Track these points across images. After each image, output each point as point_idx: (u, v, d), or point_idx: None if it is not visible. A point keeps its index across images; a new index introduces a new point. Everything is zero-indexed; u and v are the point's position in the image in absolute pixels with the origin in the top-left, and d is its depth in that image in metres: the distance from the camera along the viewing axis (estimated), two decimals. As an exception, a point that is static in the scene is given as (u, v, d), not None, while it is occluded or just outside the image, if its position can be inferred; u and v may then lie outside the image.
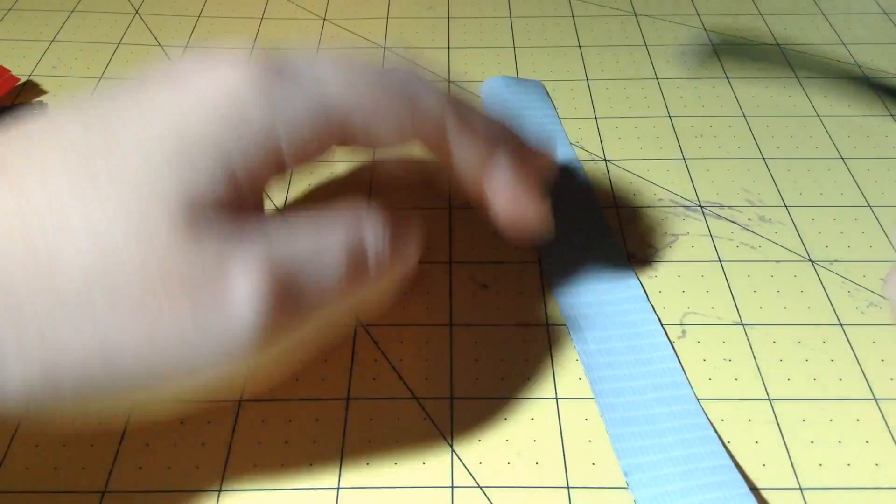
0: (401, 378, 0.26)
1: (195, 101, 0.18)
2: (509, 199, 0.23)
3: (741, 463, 0.23)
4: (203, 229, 0.17)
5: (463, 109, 0.22)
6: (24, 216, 0.16)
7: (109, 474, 0.23)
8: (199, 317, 0.17)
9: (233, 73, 0.19)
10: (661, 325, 0.27)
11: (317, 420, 0.24)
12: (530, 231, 0.24)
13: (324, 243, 0.19)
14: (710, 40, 0.41)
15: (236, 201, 0.18)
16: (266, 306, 0.17)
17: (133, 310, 0.16)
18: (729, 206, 0.31)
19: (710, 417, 0.24)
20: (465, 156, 0.22)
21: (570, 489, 0.23)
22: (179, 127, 0.18)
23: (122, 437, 0.24)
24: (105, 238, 0.16)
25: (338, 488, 0.23)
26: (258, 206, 0.20)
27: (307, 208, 0.21)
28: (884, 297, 0.28)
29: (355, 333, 0.27)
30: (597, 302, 0.27)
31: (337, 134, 0.20)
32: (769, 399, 0.25)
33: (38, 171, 0.17)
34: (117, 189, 0.17)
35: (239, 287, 0.17)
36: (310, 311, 0.19)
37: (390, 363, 0.26)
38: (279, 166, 0.19)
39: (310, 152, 0.20)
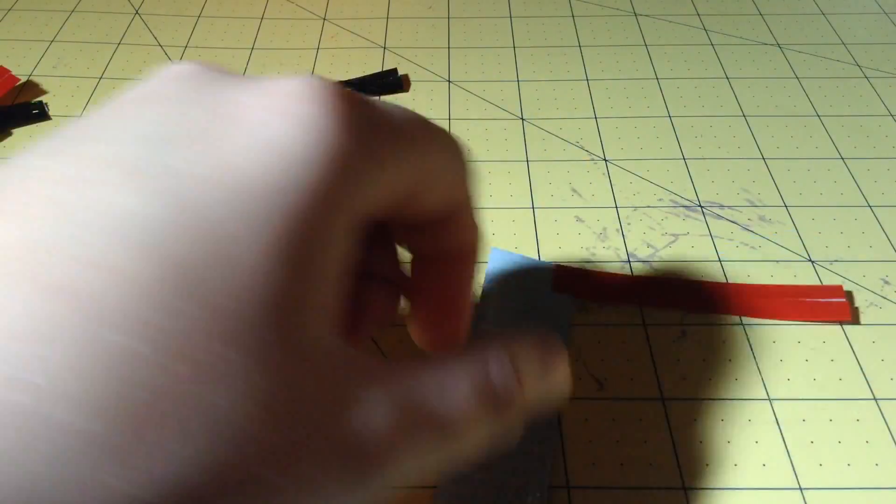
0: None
1: (276, 149, 0.13)
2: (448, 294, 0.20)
3: (741, 463, 0.23)
4: (320, 353, 0.14)
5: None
6: None
7: (109, 474, 0.23)
8: (318, 446, 0.13)
9: (305, 97, 0.14)
10: None
11: (317, 420, 0.24)
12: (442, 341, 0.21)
13: (452, 384, 0.16)
14: (711, 40, 0.41)
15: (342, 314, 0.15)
16: (401, 455, 0.14)
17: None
18: (729, 206, 0.31)
19: (710, 417, 0.24)
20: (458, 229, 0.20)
21: (571, 489, 0.23)
22: (284, 197, 0.13)
23: (122, 437, 0.24)
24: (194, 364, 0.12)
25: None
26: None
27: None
28: (884, 298, 0.28)
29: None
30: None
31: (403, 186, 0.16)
32: (769, 399, 0.25)
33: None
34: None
35: (367, 429, 0.14)
36: (448, 455, 0.16)
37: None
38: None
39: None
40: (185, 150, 0.13)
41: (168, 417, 0.11)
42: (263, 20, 0.43)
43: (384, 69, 0.39)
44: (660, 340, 0.27)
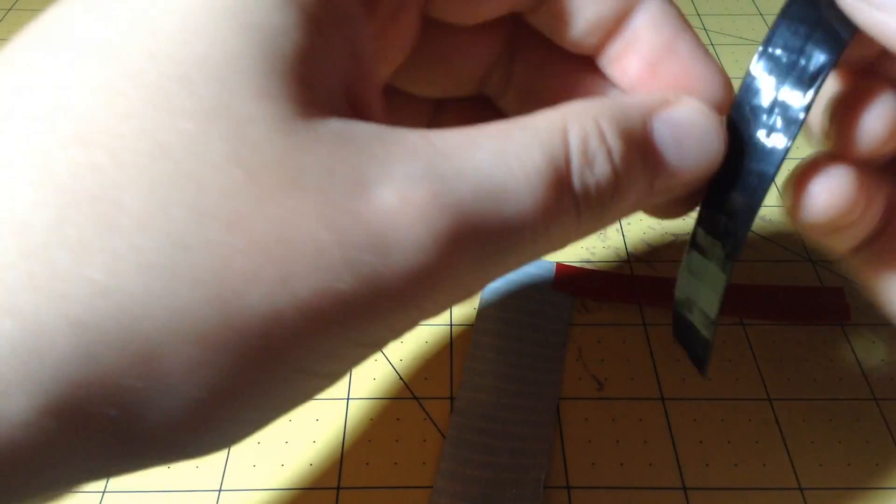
0: (401, 378, 0.26)
1: None
2: (666, 47, 0.16)
3: (741, 463, 0.23)
4: (325, 127, 0.12)
5: None
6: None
7: (109, 474, 0.23)
8: (336, 229, 0.11)
9: None
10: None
11: (317, 420, 0.24)
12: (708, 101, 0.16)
13: (519, 156, 0.13)
14: (711, 40, 0.41)
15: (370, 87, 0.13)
16: (437, 236, 0.12)
17: (236, 219, 0.11)
18: (729, 206, 0.31)
19: (709, 417, 0.24)
20: None
21: (571, 489, 0.23)
22: None
23: (122, 437, 0.24)
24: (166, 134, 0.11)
25: (338, 488, 0.23)
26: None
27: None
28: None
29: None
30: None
31: None
32: (769, 399, 0.25)
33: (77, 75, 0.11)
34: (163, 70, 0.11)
35: (394, 203, 0.12)
36: (503, 248, 0.13)
37: (390, 363, 0.26)
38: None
39: None
40: None
41: (82, 213, 0.10)
42: (263, 20, 0.43)
43: (384, 69, 0.39)
44: (660, 340, 0.27)
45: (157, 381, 0.11)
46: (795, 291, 0.28)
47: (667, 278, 0.28)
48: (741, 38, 0.41)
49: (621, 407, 0.25)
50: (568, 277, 0.28)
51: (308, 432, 0.24)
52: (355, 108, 0.13)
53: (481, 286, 0.14)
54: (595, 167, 0.14)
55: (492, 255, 0.13)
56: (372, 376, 0.26)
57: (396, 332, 0.13)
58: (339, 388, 0.25)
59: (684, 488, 0.23)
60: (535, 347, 0.26)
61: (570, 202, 0.14)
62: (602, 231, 0.30)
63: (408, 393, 0.25)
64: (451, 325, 0.27)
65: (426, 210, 0.12)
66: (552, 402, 0.24)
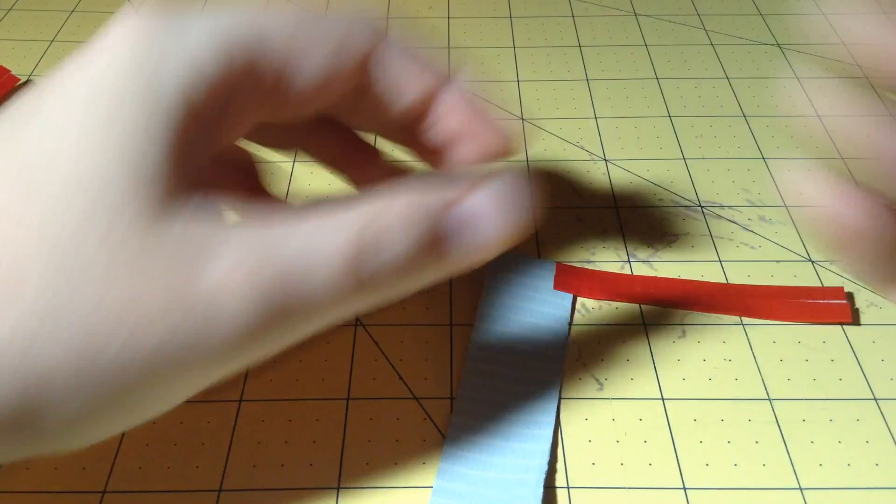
0: (401, 378, 0.26)
1: (91, 73, 0.17)
2: (467, 115, 0.21)
3: (741, 463, 0.23)
4: (179, 210, 0.16)
5: (406, 41, 0.21)
6: None
7: (109, 474, 0.23)
8: (168, 303, 0.16)
9: (118, 31, 0.18)
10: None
11: (317, 420, 0.24)
12: (495, 151, 0.22)
13: (324, 243, 0.17)
14: (711, 40, 0.41)
15: (213, 176, 0.17)
16: (250, 306, 0.16)
17: (96, 293, 0.15)
18: (729, 206, 0.31)
19: (709, 417, 0.24)
20: (404, 73, 0.20)
21: (571, 489, 0.23)
22: (95, 104, 0.16)
23: (122, 438, 0.24)
24: (60, 221, 0.15)
25: (338, 488, 0.23)
26: (255, 185, 0.18)
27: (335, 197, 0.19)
28: (884, 298, 0.28)
29: (355, 333, 0.27)
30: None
31: (247, 59, 0.18)
32: (769, 399, 0.25)
33: None
34: (58, 174, 0.16)
35: (218, 281, 0.16)
36: (305, 316, 0.17)
37: (390, 363, 0.26)
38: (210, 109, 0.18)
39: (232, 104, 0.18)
40: (30, 94, 0.17)
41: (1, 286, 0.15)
42: (263, 20, 0.43)
43: (384, 69, 0.39)
44: (660, 340, 0.27)
45: (46, 400, 0.15)
46: (795, 291, 0.28)
47: (667, 278, 0.28)
48: (741, 38, 0.41)
49: (621, 407, 0.25)
50: (568, 277, 0.28)
51: (308, 432, 0.24)
52: (207, 189, 0.17)
53: (292, 341, 0.18)
54: (382, 256, 0.17)
55: (296, 320, 0.17)
56: (372, 376, 0.26)
57: (224, 375, 0.17)
58: (339, 389, 0.25)
59: (684, 488, 0.23)
60: (535, 347, 0.26)
61: (358, 284, 0.17)
62: (602, 230, 0.30)
63: (408, 393, 0.25)
64: (451, 325, 0.27)
65: (244, 287, 0.16)
66: (552, 402, 0.24)
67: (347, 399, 0.25)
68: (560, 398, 0.25)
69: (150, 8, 0.18)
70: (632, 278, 0.29)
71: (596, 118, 0.36)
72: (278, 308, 0.16)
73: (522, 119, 0.36)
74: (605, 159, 0.34)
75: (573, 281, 0.28)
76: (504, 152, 0.21)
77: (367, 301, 0.18)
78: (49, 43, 0.41)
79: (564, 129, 0.36)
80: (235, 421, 0.24)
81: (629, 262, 0.29)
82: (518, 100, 0.37)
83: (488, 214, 0.19)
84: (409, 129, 0.22)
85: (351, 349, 0.26)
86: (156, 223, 0.16)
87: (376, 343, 0.27)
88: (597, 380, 0.26)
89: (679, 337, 0.27)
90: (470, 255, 0.19)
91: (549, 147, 0.35)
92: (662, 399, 0.25)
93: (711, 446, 0.24)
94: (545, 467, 0.22)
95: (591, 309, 0.28)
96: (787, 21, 0.43)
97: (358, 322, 0.27)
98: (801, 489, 0.23)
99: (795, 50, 0.41)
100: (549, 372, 0.25)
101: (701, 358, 0.26)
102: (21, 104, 0.17)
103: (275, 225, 0.17)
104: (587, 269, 0.29)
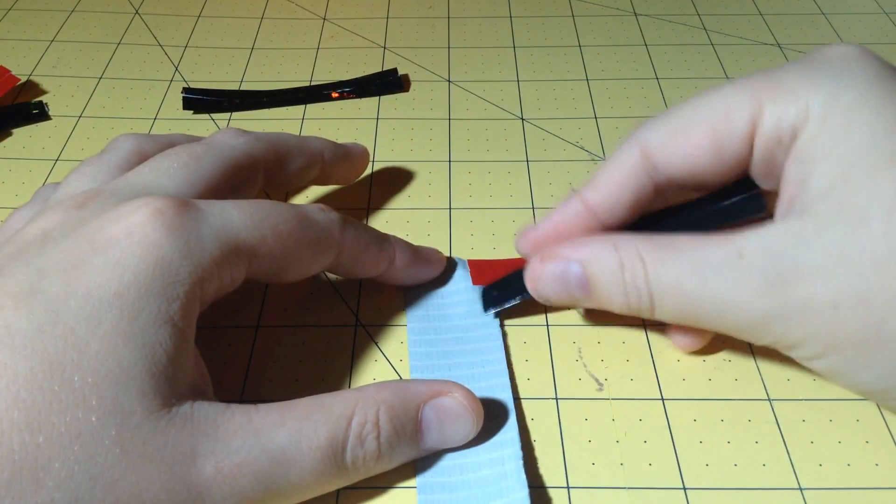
0: (401, 378, 0.26)
1: (121, 265, 0.19)
2: (410, 263, 0.27)
3: (741, 463, 0.23)
4: (181, 404, 0.19)
5: (358, 226, 0.25)
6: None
7: None
8: (172, 493, 0.18)
9: (145, 221, 0.20)
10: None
11: (317, 420, 0.24)
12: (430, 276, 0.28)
13: (309, 437, 0.20)
14: (711, 40, 0.41)
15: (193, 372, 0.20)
16: (240, 494, 0.19)
17: (113, 478, 0.18)
18: (729, 206, 0.31)
19: (709, 417, 0.24)
20: (363, 244, 0.25)
21: (571, 489, 0.23)
22: (122, 300, 0.19)
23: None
24: (82, 427, 0.17)
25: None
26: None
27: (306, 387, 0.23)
28: None
29: (355, 333, 0.27)
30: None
31: (245, 263, 0.22)
32: (769, 399, 0.25)
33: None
34: (86, 383, 0.18)
35: (213, 472, 0.19)
36: (288, 497, 0.20)
37: (390, 363, 0.26)
38: (206, 304, 0.21)
39: (226, 286, 0.22)
40: (62, 277, 0.19)
41: (22, 473, 0.17)
42: (263, 20, 0.43)
43: (384, 69, 0.39)
44: (660, 340, 0.27)
45: None
46: None
47: None
48: (741, 38, 0.41)
49: (621, 407, 0.25)
50: (483, 271, 0.28)
51: (308, 432, 0.24)
52: (202, 382, 0.21)
53: None
54: (365, 445, 0.21)
55: (280, 500, 0.20)
56: (372, 376, 0.26)
57: None
58: (339, 389, 0.25)
59: (684, 488, 0.23)
60: (473, 344, 0.26)
61: (339, 469, 0.20)
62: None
63: (408, 393, 0.25)
64: (451, 325, 0.27)
65: (233, 478, 0.19)
66: (506, 391, 0.25)
67: (347, 399, 0.25)
68: (558, 398, 0.25)
69: (170, 202, 0.20)
70: None
71: (596, 118, 0.36)
72: (264, 493, 0.19)
73: (522, 119, 0.36)
74: (605, 159, 0.34)
75: (489, 273, 0.28)
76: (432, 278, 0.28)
77: (347, 482, 0.21)
78: (49, 43, 0.41)
79: (564, 129, 0.36)
80: (235, 421, 0.24)
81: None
82: (518, 100, 0.37)
83: (459, 413, 0.22)
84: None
85: (351, 349, 0.26)
86: (163, 417, 0.18)
87: (376, 343, 0.27)
88: (597, 380, 0.26)
89: (679, 337, 0.27)
90: (444, 443, 0.22)
91: (548, 147, 0.35)
92: (662, 399, 0.25)
93: (711, 446, 0.24)
94: (520, 453, 0.23)
95: (591, 309, 0.28)
96: (787, 21, 0.43)
97: (358, 322, 0.27)
98: (801, 489, 0.23)
99: (796, 50, 0.41)
100: (493, 363, 0.25)
101: (701, 358, 0.26)
102: (52, 278, 0.19)
103: (263, 416, 0.20)
104: (499, 260, 0.29)
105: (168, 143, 0.26)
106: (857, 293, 0.19)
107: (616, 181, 0.23)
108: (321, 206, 0.24)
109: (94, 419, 0.17)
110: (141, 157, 0.25)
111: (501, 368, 0.25)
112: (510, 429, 0.24)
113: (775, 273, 0.20)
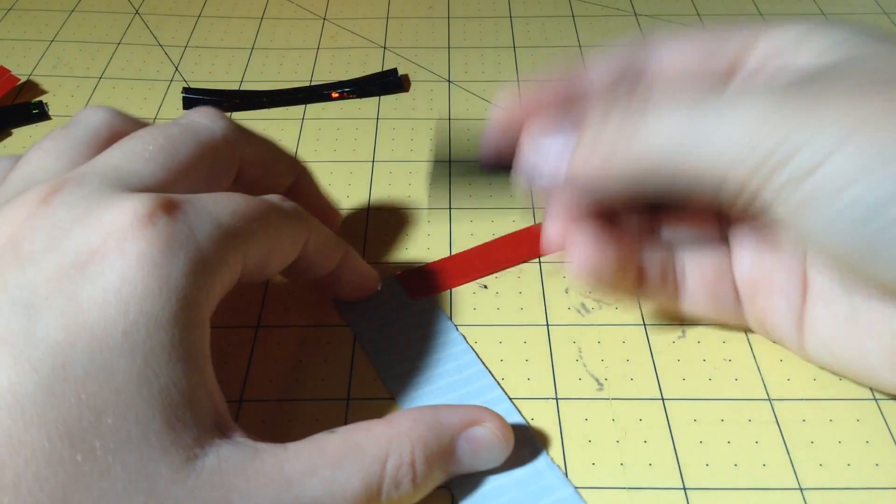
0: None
1: (123, 299, 0.17)
2: (358, 261, 0.27)
3: (741, 463, 0.23)
4: (206, 453, 0.18)
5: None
6: None
7: None
8: None
9: (134, 232, 0.18)
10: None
11: (317, 420, 0.24)
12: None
13: (343, 484, 0.19)
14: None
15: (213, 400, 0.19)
16: None
17: None
18: (729, 206, 0.31)
19: (709, 417, 0.24)
20: (323, 230, 0.24)
21: (575, 488, 0.23)
22: (131, 340, 0.17)
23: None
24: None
25: None
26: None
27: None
28: None
29: (355, 334, 0.27)
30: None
31: (241, 261, 0.20)
32: (769, 399, 0.25)
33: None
34: (112, 453, 0.16)
35: None
36: None
37: (390, 363, 0.26)
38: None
39: (227, 289, 0.20)
40: (57, 317, 0.16)
41: None
42: (263, 20, 0.43)
43: (384, 69, 0.39)
44: (660, 340, 0.27)
45: None
46: None
47: (497, 241, 0.30)
48: (741, 38, 0.41)
49: (621, 407, 0.25)
50: (413, 282, 0.28)
51: (308, 433, 0.24)
52: (221, 420, 0.19)
53: None
54: (401, 487, 0.20)
55: None
56: (372, 376, 0.26)
57: None
58: (339, 389, 0.25)
59: (684, 488, 0.23)
60: (440, 353, 0.26)
61: None
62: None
63: (408, 393, 0.25)
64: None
65: None
66: (499, 394, 0.25)
67: (347, 400, 0.25)
68: (558, 398, 0.25)
69: (156, 205, 0.18)
70: (464, 254, 0.29)
71: (596, 118, 0.36)
72: None
73: (522, 119, 0.36)
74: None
75: (418, 282, 0.28)
76: (372, 292, 0.28)
77: None
78: (49, 43, 0.41)
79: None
80: (236, 420, 0.24)
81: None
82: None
83: (492, 443, 0.22)
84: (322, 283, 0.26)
85: (351, 349, 0.26)
86: (190, 475, 0.17)
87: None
88: (597, 380, 0.26)
89: (679, 337, 0.27)
90: (476, 469, 0.22)
91: (549, 147, 0.35)
92: (662, 399, 0.25)
93: (711, 446, 0.24)
94: (542, 448, 0.23)
95: (591, 309, 0.28)
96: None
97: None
98: (801, 489, 0.23)
99: (795, 50, 0.40)
100: (468, 366, 0.25)
101: (701, 358, 0.26)
102: (46, 318, 0.17)
103: (293, 464, 0.19)
104: (425, 266, 0.29)
105: (141, 125, 0.23)
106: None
107: (613, 57, 0.24)
108: (278, 195, 0.23)
109: (120, 488, 0.16)
110: (111, 134, 0.22)
111: (480, 370, 0.25)
112: (522, 426, 0.23)
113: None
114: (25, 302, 0.17)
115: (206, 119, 0.23)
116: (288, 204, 0.23)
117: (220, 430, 0.18)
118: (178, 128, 0.22)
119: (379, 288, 0.28)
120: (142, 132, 0.22)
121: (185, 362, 0.18)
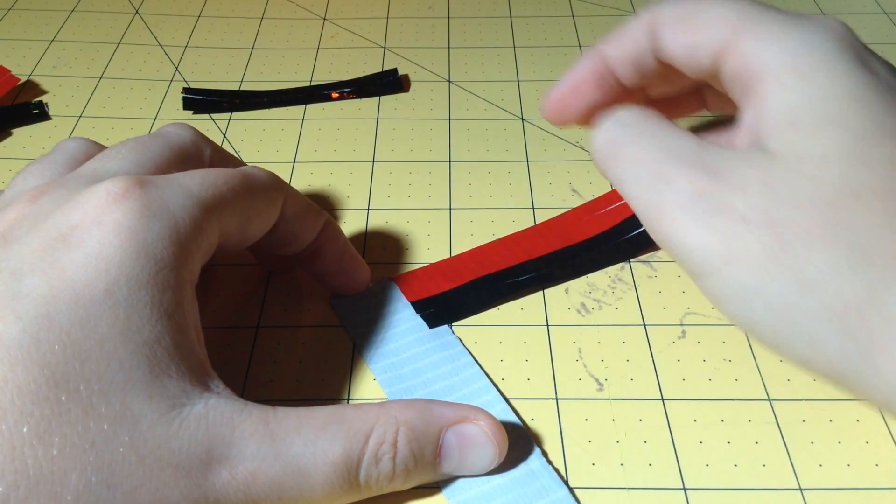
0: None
1: (103, 259, 0.18)
2: (344, 240, 0.27)
3: (741, 463, 0.23)
4: (191, 415, 0.18)
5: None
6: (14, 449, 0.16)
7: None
8: (188, 499, 0.18)
9: (109, 205, 0.19)
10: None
11: (317, 420, 0.24)
12: (360, 284, 0.28)
13: (323, 449, 0.19)
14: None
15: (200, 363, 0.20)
16: (253, 501, 0.19)
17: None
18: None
19: (709, 417, 0.24)
20: (300, 196, 0.25)
21: (571, 489, 0.23)
22: (113, 297, 0.18)
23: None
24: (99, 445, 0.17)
25: None
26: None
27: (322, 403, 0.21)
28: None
29: (351, 337, 0.27)
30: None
31: (217, 225, 0.21)
32: (769, 399, 0.25)
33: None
34: (101, 401, 0.17)
35: (228, 478, 0.18)
36: None
37: (390, 363, 0.26)
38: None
39: (206, 255, 0.21)
40: (42, 278, 0.18)
41: (39, 488, 0.16)
42: (263, 20, 0.43)
43: (384, 69, 0.39)
44: (660, 340, 0.27)
45: None
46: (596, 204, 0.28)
47: (491, 244, 0.30)
48: (741, 38, 0.41)
49: (621, 407, 0.25)
50: (410, 284, 0.28)
51: (308, 432, 0.24)
52: (209, 378, 0.20)
53: None
54: (380, 465, 0.20)
55: None
56: (372, 377, 0.26)
57: None
58: (339, 389, 0.25)
59: (684, 488, 0.23)
60: (436, 355, 0.26)
61: (351, 485, 0.20)
62: (602, 231, 0.30)
63: (408, 393, 0.25)
64: (450, 325, 0.27)
65: (247, 485, 0.18)
66: (496, 395, 0.25)
67: (347, 399, 0.25)
68: (558, 398, 0.25)
69: (129, 182, 0.20)
70: (459, 257, 0.29)
71: (596, 118, 0.36)
72: (274, 499, 0.19)
73: (522, 119, 0.36)
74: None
75: (414, 284, 0.28)
76: (364, 284, 0.28)
77: (358, 498, 0.21)
78: (49, 43, 0.41)
79: (565, 129, 0.36)
80: (235, 421, 0.24)
81: (629, 262, 0.29)
82: (518, 100, 0.37)
83: (482, 441, 0.21)
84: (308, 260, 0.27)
85: (351, 349, 0.26)
86: (175, 419, 0.18)
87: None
88: (597, 380, 0.26)
89: (679, 337, 0.27)
90: (463, 471, 0.22)
91: (548, 147, 0.35)
92: (662, 399, 0.25)
93: (711, 446, 0.24)
94: (538, 449, 0.23)
95: (591, 309, 0.28)
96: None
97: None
98: (801, 489, 0.23)
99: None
100: (464, 368, 0.25)
101: (701, 358, 0.26)
102: (32, 279, 0.18)
103: (279, 421, 0.19)
104: (420, 268, 0.29)
105: None
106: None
107: (629, 37, 0.22)
108: (253, 166, 0.24)
109: (105, 427, 0.17)
110: (88, 157, 0.24)
111: (476, 371, 0.25)
112: (518, 427, 0.23)
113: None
114: (11, 269, 0.18)
115: (175, 128, 0.25)
116: (261, 171, 0.24)
117: (208, 388, 0.19)
118: (147, 136, 0.24)
119: (369, 280, 0.28)
120: (115, 144, 0.24)
121: (168, 320, 0.19)
